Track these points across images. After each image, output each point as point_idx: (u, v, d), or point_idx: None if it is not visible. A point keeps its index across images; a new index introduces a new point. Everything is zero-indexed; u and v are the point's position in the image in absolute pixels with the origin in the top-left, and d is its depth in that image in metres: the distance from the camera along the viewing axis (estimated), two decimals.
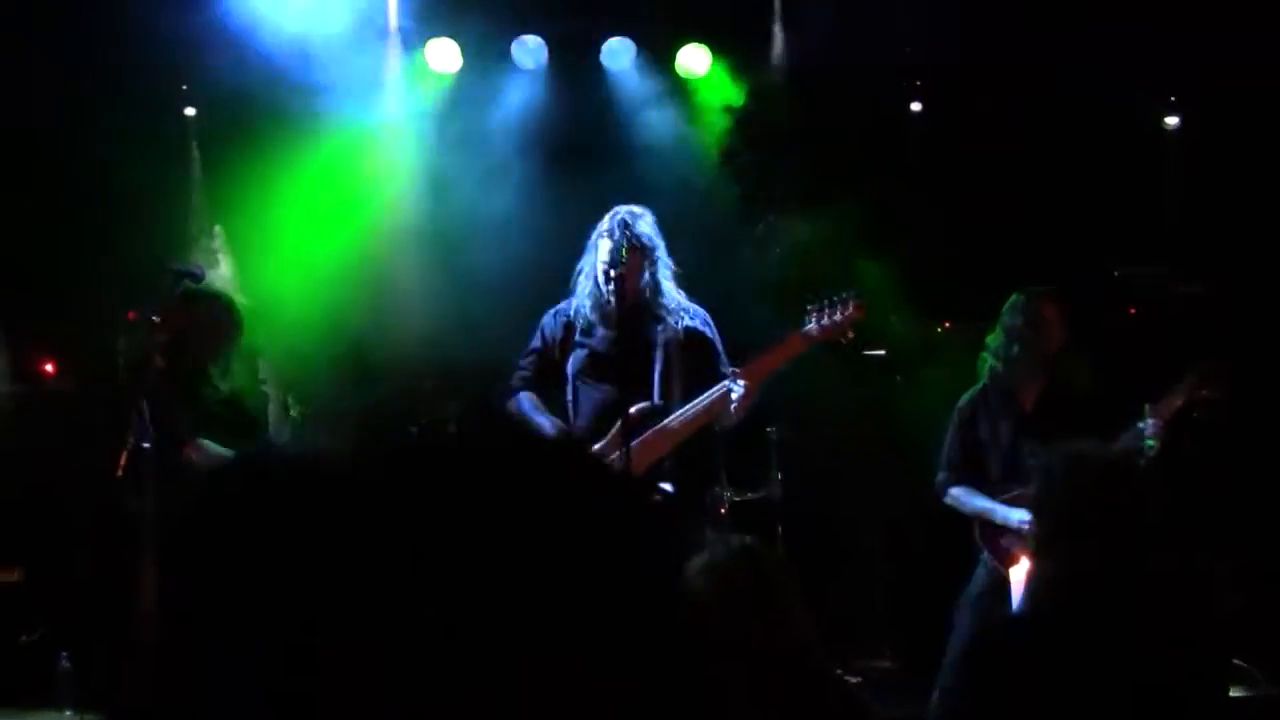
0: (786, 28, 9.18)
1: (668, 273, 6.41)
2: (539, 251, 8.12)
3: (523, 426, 6.17)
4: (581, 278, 6.46)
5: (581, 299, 6.43)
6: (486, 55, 9.25)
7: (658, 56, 9.29)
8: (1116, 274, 8.33)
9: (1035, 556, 3.67)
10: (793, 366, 6.58)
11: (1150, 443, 6.31)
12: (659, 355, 6.31)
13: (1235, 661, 6.30)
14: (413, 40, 9.19)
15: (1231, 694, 5.62)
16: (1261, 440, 8.07)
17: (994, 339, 6.74)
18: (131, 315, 8.20)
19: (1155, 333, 8.11)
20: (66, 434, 7.81)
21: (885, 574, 8.76)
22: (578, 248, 6.57)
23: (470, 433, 1.23)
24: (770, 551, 3.73)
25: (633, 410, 5.99)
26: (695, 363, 6.35)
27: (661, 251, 6.38)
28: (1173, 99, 9.20)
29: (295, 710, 1.06)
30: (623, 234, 6.23)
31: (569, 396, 6.44)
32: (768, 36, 9.24)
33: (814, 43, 8.93)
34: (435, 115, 9.26)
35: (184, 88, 9.01)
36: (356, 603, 1.06)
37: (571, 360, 6.42)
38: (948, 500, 6.72)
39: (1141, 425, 6.35)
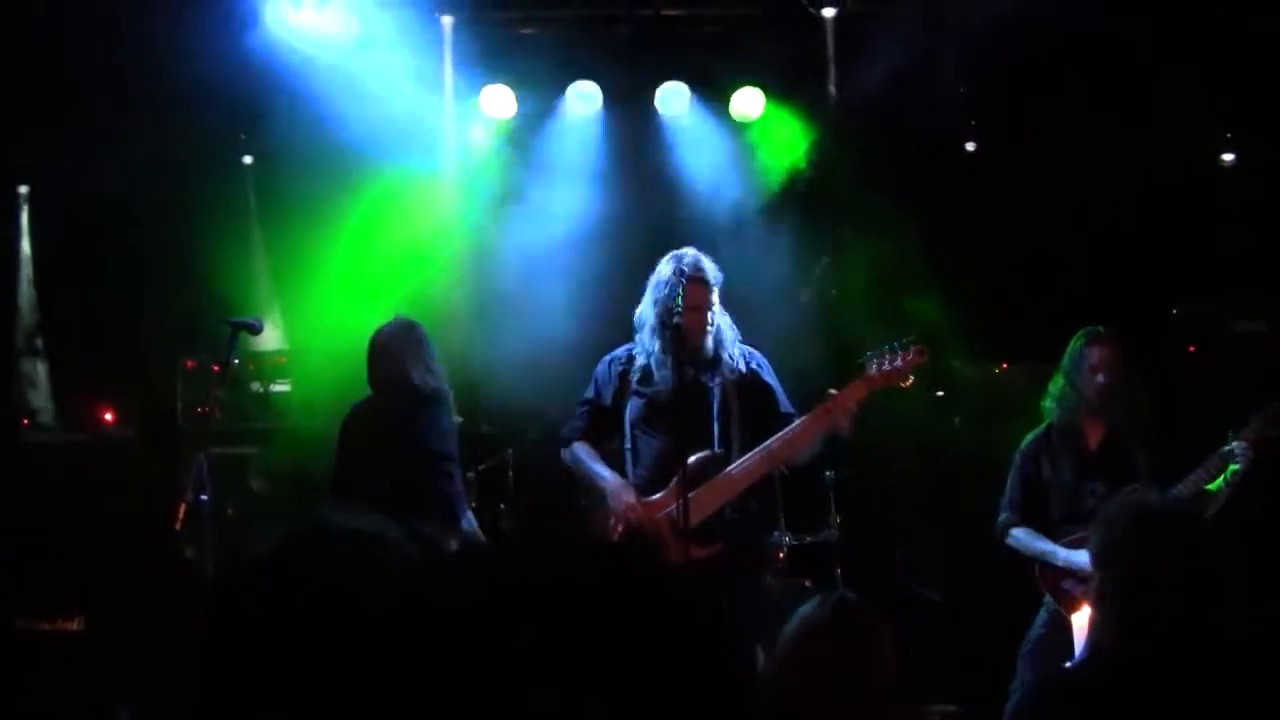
0: (840, 70, 9.18)
1: (727, 319, 6.30)
2: (594, 296, 8.14)
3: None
4: (640, 323, 6.30)
5: (640, 346, 6.28)
6: (541, 101, 9.30)
7: (712, 101, 9.31)
8: (1175, 312, 8.28)
9: (1096, 606, 3.62)
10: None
11: (1236, 466, 6.22)
12: (718, 402, 6.17)
13: None
14: (468, 87, 9.23)
15: None
16: None
17: (1055, 383, 6.70)
18: (190, 364, 8.31)
19: (1215, 371, 8.03)
20: (126, 483, 7.87)
21: (947, 617, 8.68)
22: (633, 293, 6.47)
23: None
24: (867, 606, 3.70)
25: (691, 460, 5.90)
26: (755, 408, 6.23)
27: (719, 296, 6.25)
28: (1228, 135, 9.13)
29: None
30: (681, 279, 6.11)
31: (628, 445, 6.30)
32: (822, 79, 9.24)
33: (868, 84, 8.93)
34: (490, 161, 9.31)
35: (242, 137, 9.11)
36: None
37: (629, 409, 6.29)
38: (1009, 542, 6.66)
39: (1229, 448, 6.27)
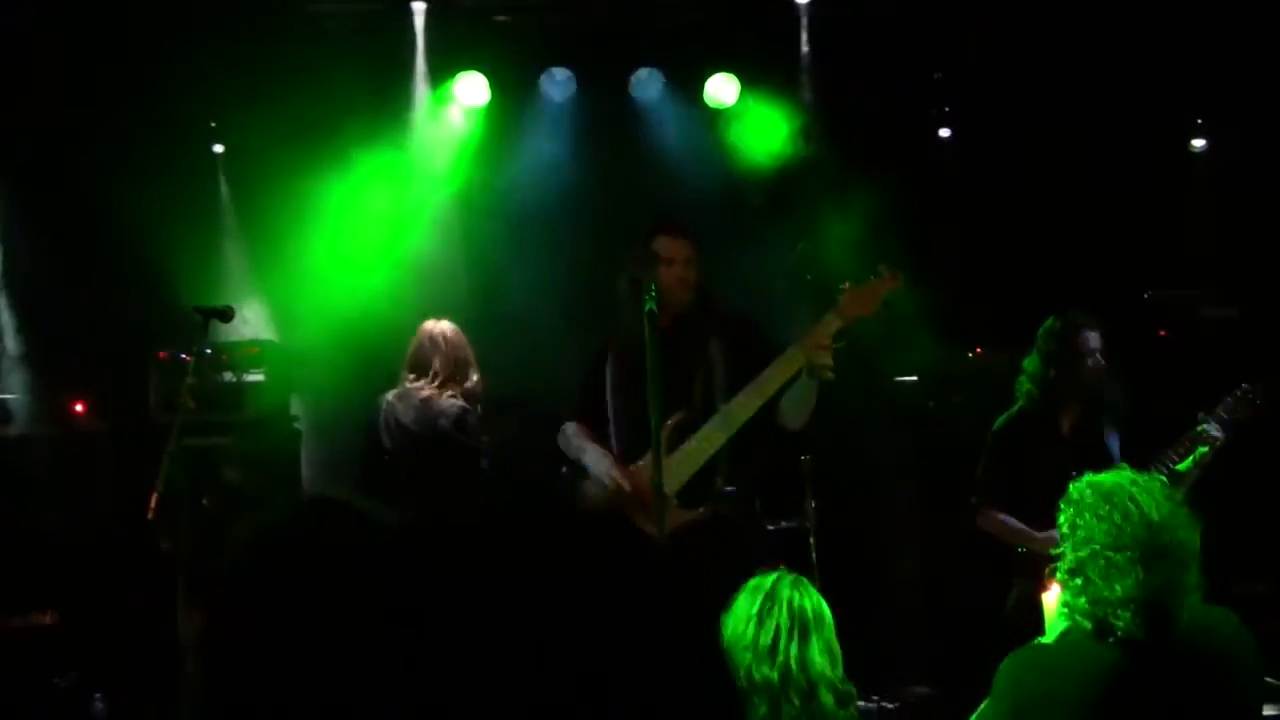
0: (814, 56, 9.18)
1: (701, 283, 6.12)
2: (571, 282, 8.14)
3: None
4: (624, 290, 6.09)
5: (622, 312, 6.09)
6: (515, 88, 9.29)
7: (686, 87, 9.31)
8: (1147, 297, 8.31)
9: (1065, 584, 3.65)
10: (825, 396, 6.54)
11: (1205, 449, 6.25)
12: (700, 363, 5.99)
13: (1269, 680, 6.24)
14: (442, 74, 9.22)
15: (1268, 714, 5.55)
16: None
17: (1031, 363, 6.69)
18: (163, 355, 8.28)
19: (1185, 356, 8.07)
20: (99, 476, 7.84)
21: (921, 600, 8.72)
22: (610, 277, 6.37)
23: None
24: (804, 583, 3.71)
25: (669, 421, 5.69)
26: (743, 361, 5.96)
27: (697, 260, 6.09)
28: (1200, 121, 9.17)
29: None
30: (653, 234, 6.02)
31: (610, 416, 6.18)
32: (796, 65, 9.25)
33: (842, 70, 8.95)
34: (465, 149, 9.30)
35: (213, 125, 9.08)
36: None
37: (610, 378, 6.19)
38: (982, 524, 6.67)
39: (1199, 430, 6.30)
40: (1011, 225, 8.74)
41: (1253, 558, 7.63)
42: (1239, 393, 6.46)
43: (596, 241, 7.99)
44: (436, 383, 6.99)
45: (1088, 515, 3.53)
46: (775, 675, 3.85)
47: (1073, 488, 3.66)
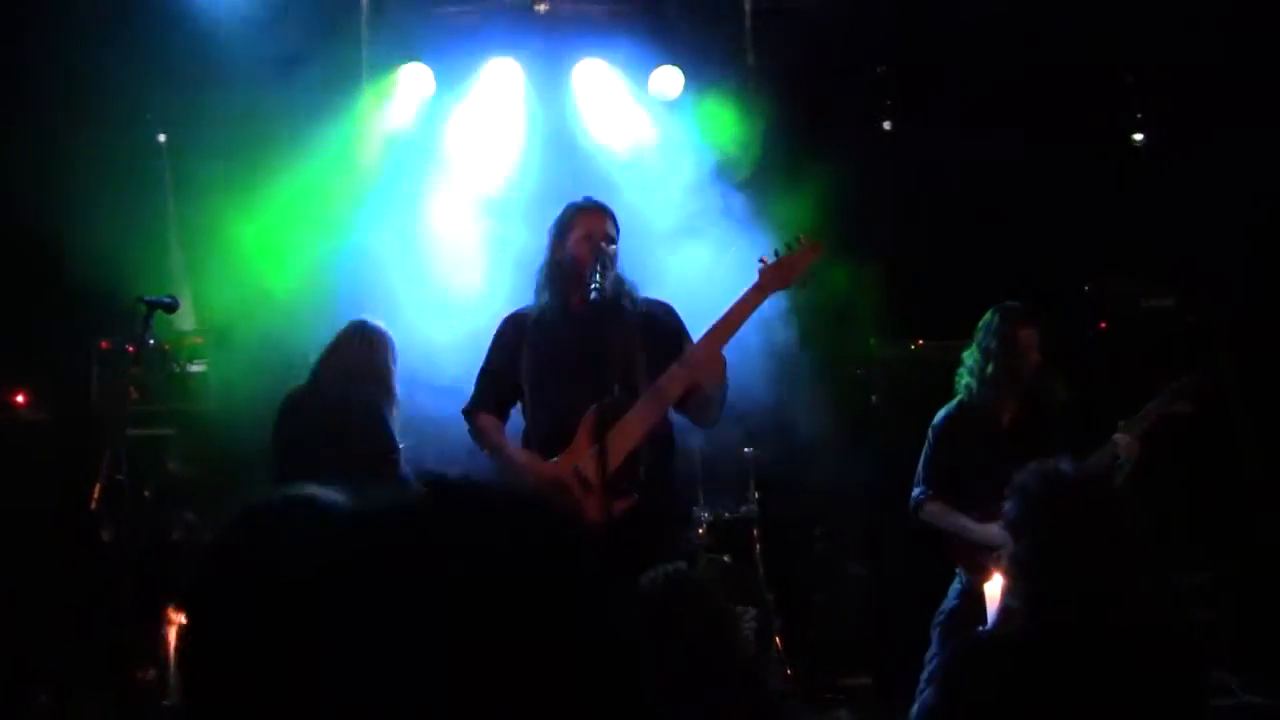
0: (758, 50, 9.21)
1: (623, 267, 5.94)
2: (513, 273, 8.14)
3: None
4: (543, 273, 5.98)
5: (540, 295, 5.95)
6: (459, 79, 9.27)
7: (631, 79, 9.31)
8: (1087, 288, 8.39)
9: (1009, 574, 3.69)
10: (768, 388, 6.59)
11: (1124, 460, 6.34)
12: (621, 349, 5.72)
13: (1212, 670, 6.33)
14: (386, 65, 9.19)
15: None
16: (1232, 451, 8.11)
17: (970, 356, 6.71)
18: (105, 345, 8.22)
19: (1126, 346, 8.15)
20: (40, 467, 7.77)
21: (862, 591, 8.77)
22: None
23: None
24: (699, 578, 3.67)
25: (591, 409, 5.54)
26: (663, 348, 5.79)
27: (619, 245, 5.93)
28: (1139, 115, 9.26)
29: None
30: (573, 211, 5.92)
31: (527, 402, 5.93)
32: (741, 58, 9.27)
33: (786, 63, 8.98)
34: (409, 139, 9.27)
35: (156, 113, 9.02)
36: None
37: (525, 362, 5.92)
38: (923, 516, 6.69)
39: (1115, 439, 6.39)
40: (953, 218, 8.79)
41: (1193, 548, 7.73)
42: (1171, 391, 6.56)
43: (540, 233, 7.98)
44: (353, 379, 6.74)
45: (1032, 504, 3.57)
46: None
47: (1017, 478, 3.70)
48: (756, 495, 8.14)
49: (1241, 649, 6.82)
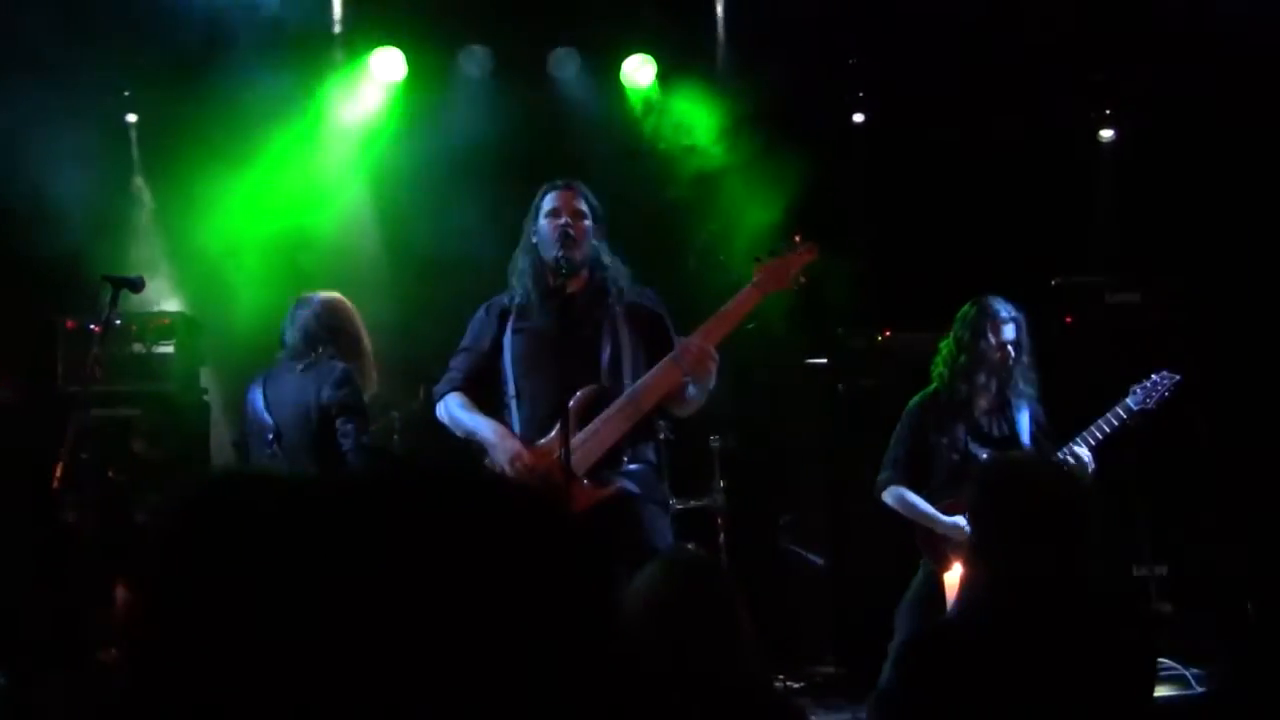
0: (730, 39, 9.22)
1: (609, 249, 5.90)
2: (484, 258, 8.13)
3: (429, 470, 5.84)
4: (519, 259, 5.91)
5: (519, 281, 5.86)
6: (432, 64, 9.25)
7: (603, 67, 9.31)
8: (1054, 283, 8.43)
9: (969, 561, 3.71)
10: (735, 377, 6.58)
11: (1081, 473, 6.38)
12: (607, 334, 5.71)
13: (1166, 662, 6.38)
14: (358, 49, 9.17)
15: (1163, 694, 5.68)
16: (1191, 445, 8.15)
17: (945, 346, 6.74)
18: (71, 324, 8.18)
19: (1091, 340, 8.19)
20: (3, 447, 7.73)
21: (828, 581, 8.79)
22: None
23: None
24: (715, 562, 3.68)
25: (577, 396, 5.51)
26: (648, 340, 5.75)
27: (603, 226, 5.89)
28: (1108, 112, 9.30)
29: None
30: (546, 192, 5.86)
31: (511, 389, 5.80)
32: (712, 48, 9.28)
33: (758, 54, 8.99)
34: (380, 123, 9.26)
35: (126, 94, 8.99)
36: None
37: (508, 348, 5.81)
38: (888, 499, 6.68)
39: (1071, 450, 6.42)
40: (922, 210, 8.83)
41: (1151, 542, 7.77)
42: (1152, 383, 6.62)
43: (514, 220, 7.96)
44: (316, 355, 6.71)
45: (992, 493, 3.59)
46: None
47: (978, 467, 3.73)
48: (722, 485, 8.15)
49: (1198, 642, 6.86)
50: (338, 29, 9.13)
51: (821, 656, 8.60)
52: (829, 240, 8.34)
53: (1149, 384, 6.70)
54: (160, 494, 7.57)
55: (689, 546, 3.89)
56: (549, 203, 5.84)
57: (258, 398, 6.53)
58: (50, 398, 8.04)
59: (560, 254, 5.62)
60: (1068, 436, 6.48)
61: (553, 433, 5.52)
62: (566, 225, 5.71)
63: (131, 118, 9.08)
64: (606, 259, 5.86)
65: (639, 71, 9.26)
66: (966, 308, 6.70)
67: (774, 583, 8.59)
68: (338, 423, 6.26)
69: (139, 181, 9.03)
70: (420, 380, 7.63)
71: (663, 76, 9.27)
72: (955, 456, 6.58)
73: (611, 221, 6.08)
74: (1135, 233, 8.76)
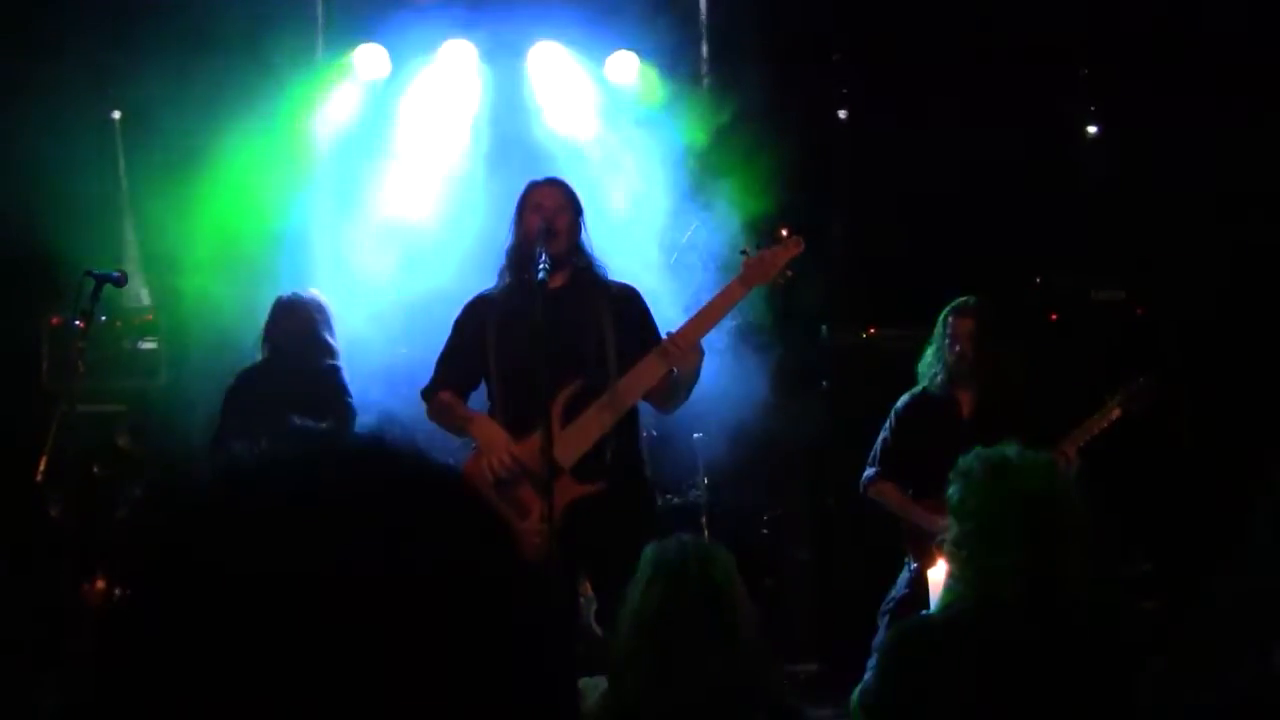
0: (714, 35, 9.22)
1: (592, 242, 5.92)
2: (469, 254, 8.13)
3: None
4: (502, 254, 5.92)
5: (503, 275, 5.89)
6: (415, 60, 9.24)
7: (586, 64, 9.30)
8: (1038, 281, 8.44)
9: (952, 558, 3.71)
10: (719, 373, 6.59)
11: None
12: (591, 329, 5.71)
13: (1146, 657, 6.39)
14: (341, 46, 9.15)
15: None
16: (1176, 443, 8.17)
17: (930, 347, 6.80)
18: (55, 321, 8.17)
19: (1076, 337, 8.21)
20: None
21: (811, 578, 8.80)
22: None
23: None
24: (721, 550, 3.64)
25: (561, 390, 5.53)
26: (632, 335, 5.75)
27: (585, 220, 5.91)
28: (1093, 109, 9.31)
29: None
30: (529, 187, 5.90)
31: (494, 385, 5.82)
32: (696, 44, 9.28)
33: (743, 51, 8.99)
34: (364, 121, 9.24)
35: (110, 90, 8.97)
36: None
37: (493, 344, 5.80)
38: (871, 495, 6.72)
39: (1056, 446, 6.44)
40: (906, 207, 8.83)
41: (1137, 540, 7.79)
42: (1130, 390, 6.63)
43: (497, 215, 7.96)
44: (307, 347, 6.76)
45: (975, 488, 3.60)
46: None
47: (962, 461, 3.73)
48: (705, 481, 8.16)
49: (1183, 639, 6.87)
50: (321, 25, 9.12)
51: (805, 655, 8.60)
52: (813, 236, 8.39)
53: (1134, 386, 6.72)
54: (144, 488, 7.57)
55: (686, 536, 3.82)
56: (532, 198, 5.87)
57: (250, 388, 6.59)
58: (34, 393, 8.03)
59: (542, 250, 5.60)
60: (1052, 434, 6.49)
61: (538, 428, 5.47)
62: (548, 222, 5.72)
63: (116, 114, 9.06)
64: (589, 253, 5.89)
65: (622, 68, 9.25)
66: (945, 310, 6.75)
67: (758, 580, 8.59)
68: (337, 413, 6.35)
69: (124, 177, 9.01)
70: (404, 380, 7.63)
71: (646, 73, 9.27)
72: (940, 454, 6.56)
73: (594, 217, 6.10)
74: (1120, 231, 8.78)
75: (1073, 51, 8.92)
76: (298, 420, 6.18)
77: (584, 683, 3.85)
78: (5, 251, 8.18)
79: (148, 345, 8.40)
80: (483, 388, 6.01)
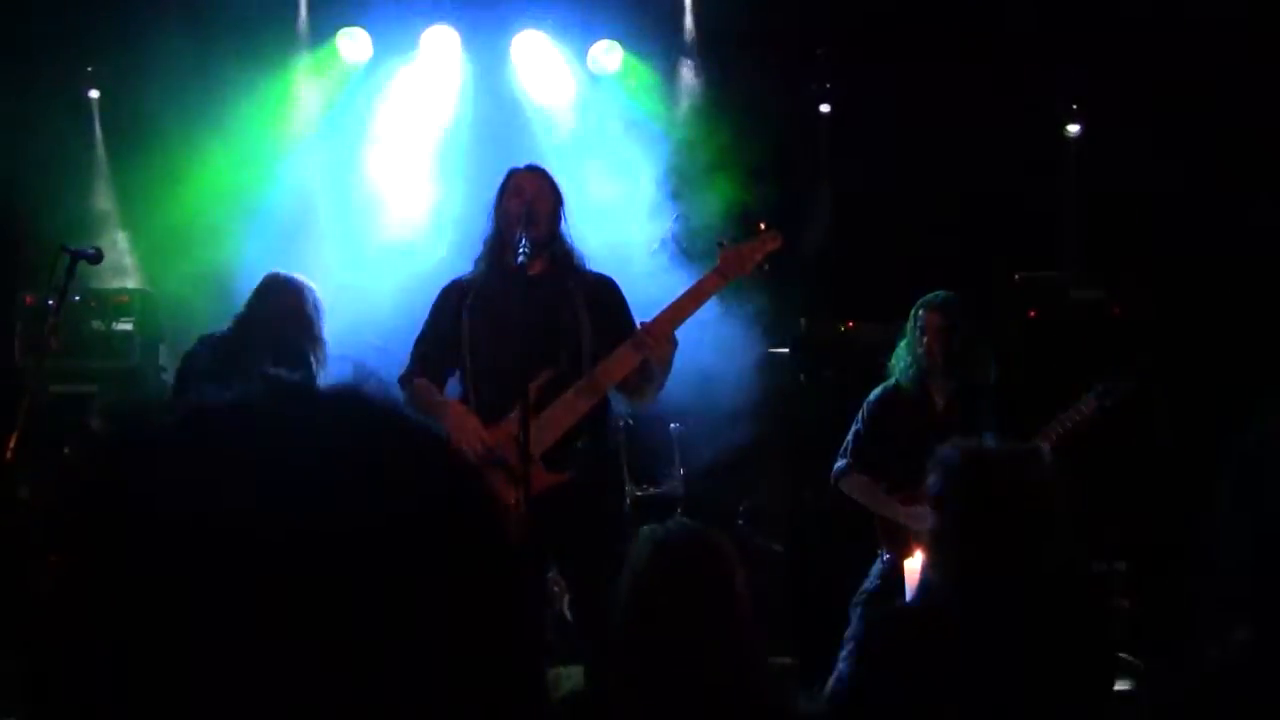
0: (698, 26, 9.21)
1: (571, 232, 5.91)
2: (446, 239, 8.11)
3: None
4: (481, 240, 5.93)
5: (481, 261, 5.89)
6: (397, 45, 9.21)
7: (570, 51, 9.29)
8: (1017, 278, 8.44)
9: (930, 549, 3.70)
10: (696, 364, 6.57)
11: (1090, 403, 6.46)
12: (567, 317, 5.72)
13: (1123, 656, 6.40)
14: (324, 29, 9.12)
15: (1118, 688, 5.69)
16: (1151, 441, 8.18)
17: (901, 340, 6.81)
18: (29, 300, 8.12)
19: (1054, 335, 8.21)
20: None
21: (785, 570, 8.78)
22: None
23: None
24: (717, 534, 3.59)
25: (535, 377, 5.46)
26: (607, 324, 5.75)
27: (566, 209, 5.91)
28: (1074, 107, 9.32)
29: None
30: (509, 175, 5.91)
31: (469, 367, 5.80)
32: (679, 35, 9.28)
33: (725, 43, 8.98)
34: (346, 105, 9.22)
35: (89, 69, 8.92)
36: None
37: (468, 330, 5.79)
38: (842, 486, 6.74)
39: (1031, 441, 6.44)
40: (887, 203, 8.82)
41: (1112, 537, 7.79)
42: (1076, 406, 6.63)
43: (477, 199, 7.94)
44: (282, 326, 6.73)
45: (953, 479, 3.59)
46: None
47: (940, 453, 3.72)
48: (681, 472, 8.14)
49: (1155, 637, 6.87)
50: (304, 8, 9.09)
51: (779, 648, 8.57)
52: (794, 229, 8.39)
53: (1110, 382, 6.72)
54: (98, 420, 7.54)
55: (683, 521, 3.78)
56: (512, 184, 5.87)
57: (208, 355, 6.56)
58: (8, 373, 7.98)
59: (522, 235, 5.60)
60: (1028, 430, 6.50)
61: (511, 414, 5.44)
62: (529, 207, 5.72)
63: (94, 93, 9.02)
64: (568, 242, 5.89)
65: (606, 57, 9.23)
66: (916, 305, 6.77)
67: None
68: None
69: (101, 156, 8.97)
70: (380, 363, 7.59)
71: (629, 62, 9.26)
72: (915, 450, 6.56)
73: (574, 205, 6.09)
74: (1100, 229, 8.79)
75: (1054, 50, 8.90)
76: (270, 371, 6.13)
77: (557, 672, 3.82)
78: None
79: (123, 326, 8.35)
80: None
